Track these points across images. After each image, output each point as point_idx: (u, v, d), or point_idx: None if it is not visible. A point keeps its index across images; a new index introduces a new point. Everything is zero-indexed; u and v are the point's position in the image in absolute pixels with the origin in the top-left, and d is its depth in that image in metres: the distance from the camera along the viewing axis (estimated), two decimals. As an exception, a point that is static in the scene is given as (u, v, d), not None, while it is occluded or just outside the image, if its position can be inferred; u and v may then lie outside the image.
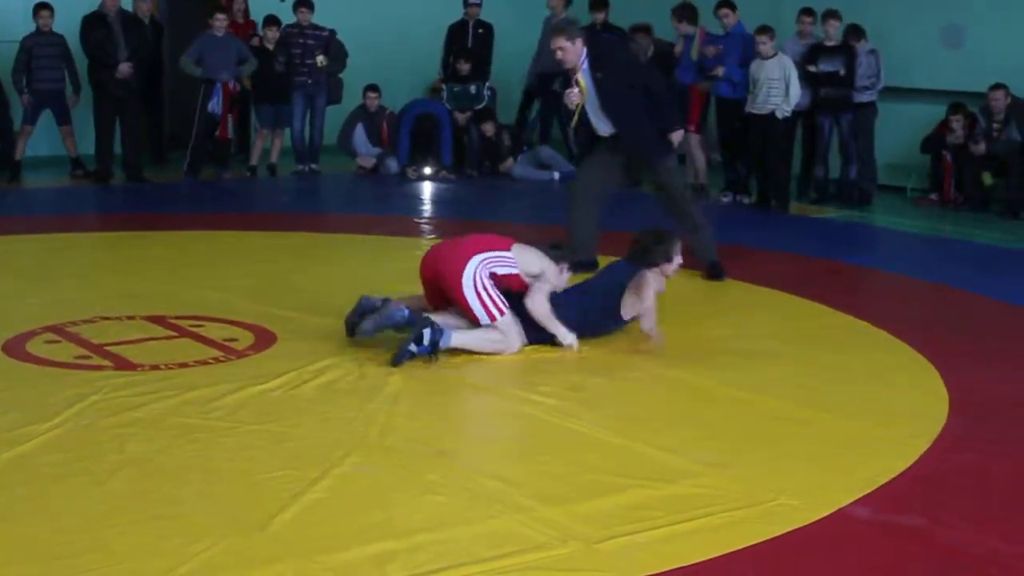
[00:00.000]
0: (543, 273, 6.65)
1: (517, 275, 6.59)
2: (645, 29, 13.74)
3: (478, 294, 6.39)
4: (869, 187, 12.92)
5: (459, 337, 6.34)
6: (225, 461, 4.85)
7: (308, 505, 4.43)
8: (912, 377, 6.36)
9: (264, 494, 4.51)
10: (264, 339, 6.71)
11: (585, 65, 8.35)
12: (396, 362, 6.15)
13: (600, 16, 14.41)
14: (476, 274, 6.40)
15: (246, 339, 6.70)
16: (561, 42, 8.26)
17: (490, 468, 4.83)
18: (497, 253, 6.56)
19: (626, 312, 6.78)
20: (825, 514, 4.47)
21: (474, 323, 6.45)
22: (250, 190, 13.41)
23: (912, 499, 4.65)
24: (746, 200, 12.71)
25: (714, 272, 8.53)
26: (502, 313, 6.44)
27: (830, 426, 5.51)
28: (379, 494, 4.57)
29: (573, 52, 8.29)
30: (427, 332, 6.20)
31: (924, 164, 13.17)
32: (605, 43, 8.63)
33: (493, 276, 6.47)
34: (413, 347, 6.17)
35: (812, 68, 12.51)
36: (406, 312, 6.40)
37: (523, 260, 6.64)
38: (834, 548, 4.24)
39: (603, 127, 8.45)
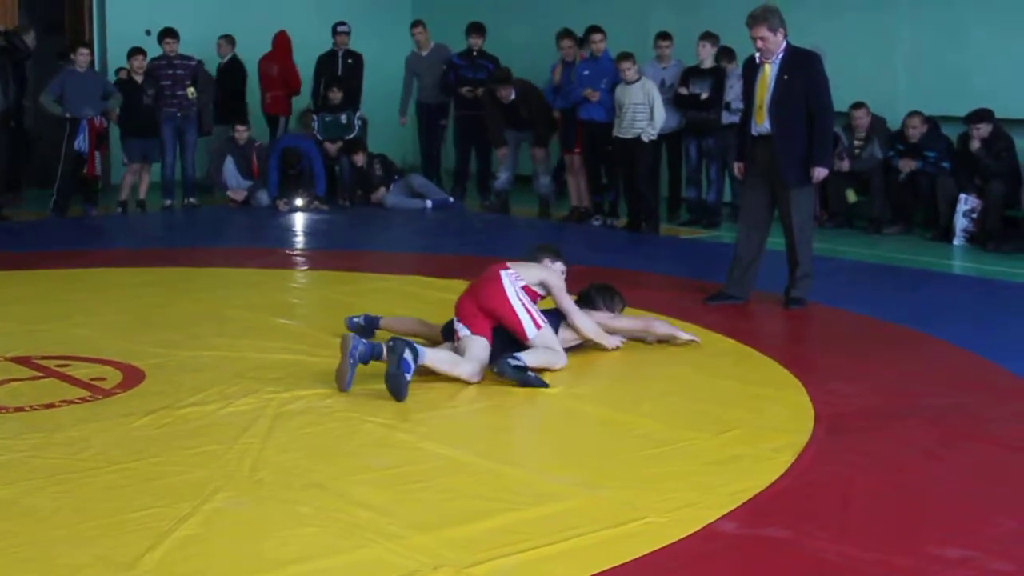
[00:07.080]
0: (545, 282, 6.93)
1: (527, 286, 6.86)
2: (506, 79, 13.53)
3: (523, 305, 6.67)
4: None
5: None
6: (93, 501, 4.78)
7: (178, 542, 4.38)
8: (779, 393, 6.47)
9: (133, 532, 4.45)
10: (132, 377, 6.62)
11: (778, 60, 8.43)
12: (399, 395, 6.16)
13: (477, 42, 14.50)
14: (514, 288, 6.70)
15: (114, 377, 6.61)
16: (763, 31, 8.34)
17: (362, 498, 4.82)
18: (511, 271, 6.81)
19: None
20: (693, 530, 4.53)
21: (520, 339, 6.68)
22: (118, 226, 13.24)
23: (777, 512, 4.74)
24: (616, 223, 12.85)
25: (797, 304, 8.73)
26: (539, 326, 6.71)
27: (698, 444, 5.58)
28: (250, 528, 4.54)
29: (774, 43, 8.40)
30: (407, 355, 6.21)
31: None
32: (810, 56, 8.62)
33: (525, 289, 6.79)
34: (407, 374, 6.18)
35: (683, 90, 12.70)
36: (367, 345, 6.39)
37: (525, 274, 6.89)
38: (702, 563, 4.30)
39: (761, 125, 8.52)
